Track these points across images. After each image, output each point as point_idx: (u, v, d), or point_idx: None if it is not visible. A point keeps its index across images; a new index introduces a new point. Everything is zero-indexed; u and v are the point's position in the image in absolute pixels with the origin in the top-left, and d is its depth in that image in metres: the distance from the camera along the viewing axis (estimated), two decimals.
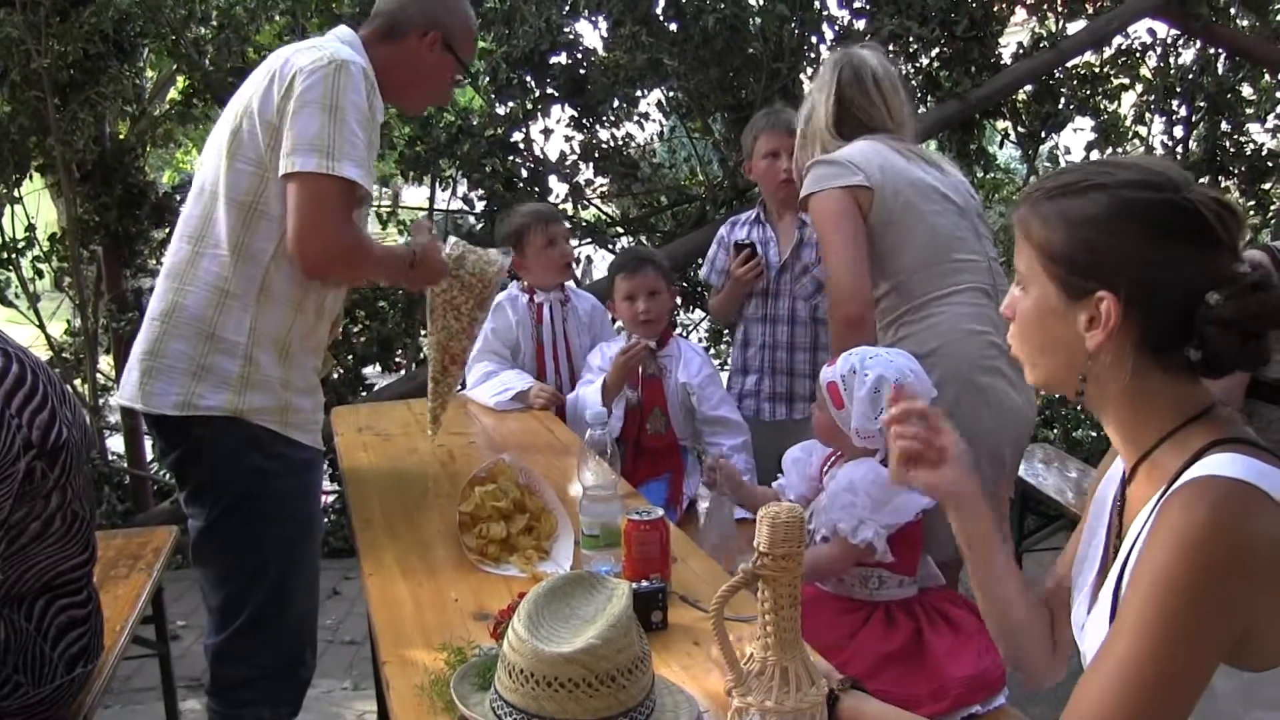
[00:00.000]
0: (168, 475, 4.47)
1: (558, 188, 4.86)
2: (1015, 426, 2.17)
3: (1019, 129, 5.19)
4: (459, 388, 2.63)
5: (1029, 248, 1.14)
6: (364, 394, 4.61)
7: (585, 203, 5.09)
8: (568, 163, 4.86)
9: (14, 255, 4.44)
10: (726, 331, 4.45)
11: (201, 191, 1.96)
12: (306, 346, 1.99)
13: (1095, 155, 5.08)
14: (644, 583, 1.53)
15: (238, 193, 1.90)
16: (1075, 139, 5.41)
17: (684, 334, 4.71)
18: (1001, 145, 5.56)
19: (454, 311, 2.28)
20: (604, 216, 5.34)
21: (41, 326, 4.57)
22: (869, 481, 1.85)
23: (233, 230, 1.90)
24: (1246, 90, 5.38)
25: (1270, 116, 5.42)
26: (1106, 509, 1.19)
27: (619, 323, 2.97)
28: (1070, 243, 1.10)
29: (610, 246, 5.08)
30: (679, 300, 4.40)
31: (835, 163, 2.19)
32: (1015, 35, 5.06)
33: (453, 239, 2.26)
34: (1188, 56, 5.40)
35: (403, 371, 4.73)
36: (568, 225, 4.68)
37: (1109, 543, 1.17)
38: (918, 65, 4.77)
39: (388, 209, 5.31)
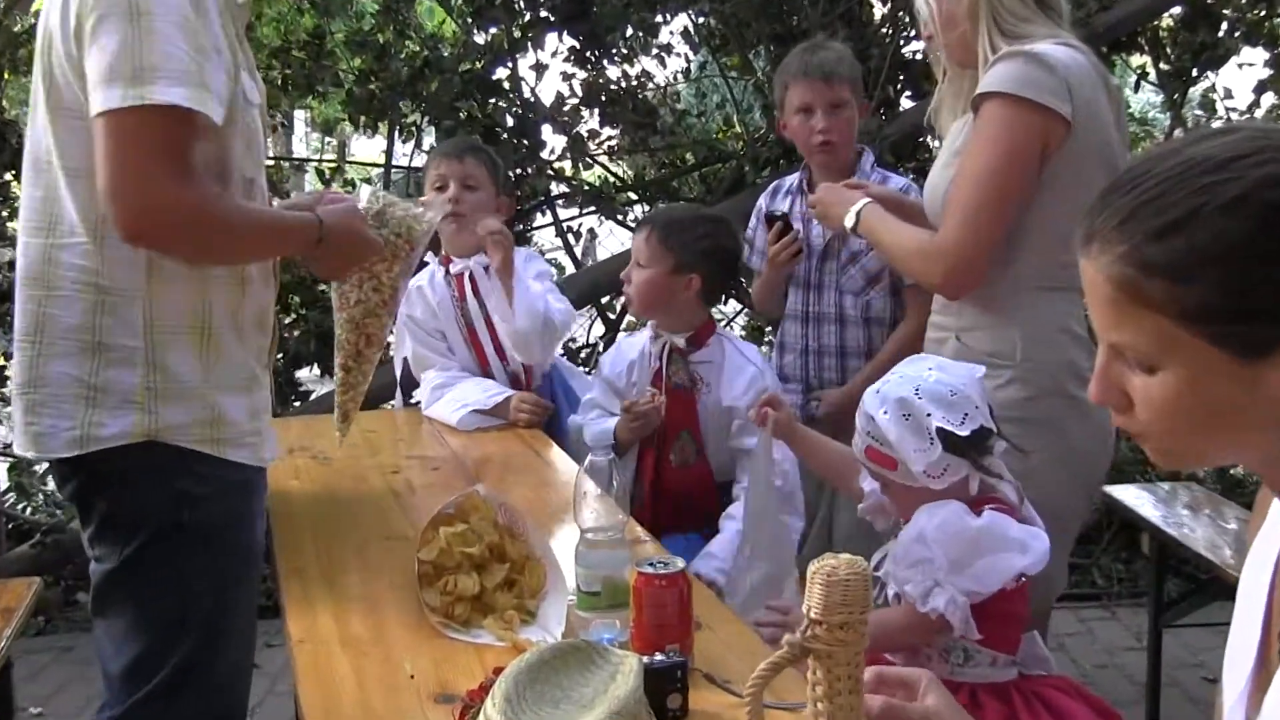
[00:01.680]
0: (28, 510, 4.55)
1: (553, 140, 4.97)
2: (1109, 449, 2.26)
3: (1161, 66, 5.10)
4: (403, 386, 2.70)
5: (1150, 316, 1.04)
6: (297, 404, 4.69)
7: (588, 160, 5.18)
8: (566, 108, 4.95)
9: None
10: (770, 329, 4.50)
11: (37, 162, 1.91)
12: (239, 327, 1.97)
13: (1270, 99, 4.90)
14: (658, 656, 1.55)
15: (75, 158, 1.84)
16: (1239, 78, 5.18)
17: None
18: (1137, 88, 5.43)
19: (373, 282, 2.28)
20: (612, 179, 5.39)
21: None
22: (948, 533, 1.84)
23: (85, 208, 1.85)
24: None
25: None
26: (1265, 577, 1.13)
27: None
28: (1228, 287, 1.01)
29: (620, 217, 5.19)
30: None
31: (1049, 67, 2.15)
32: None
33: (368, 188, 2.29)
34: None
35: None
36: (562, 188, 5.00)
37: (1271, 628, 1.11)
38: None
39: (331, 165, 5.41)
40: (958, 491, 1.90)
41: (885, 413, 1.88)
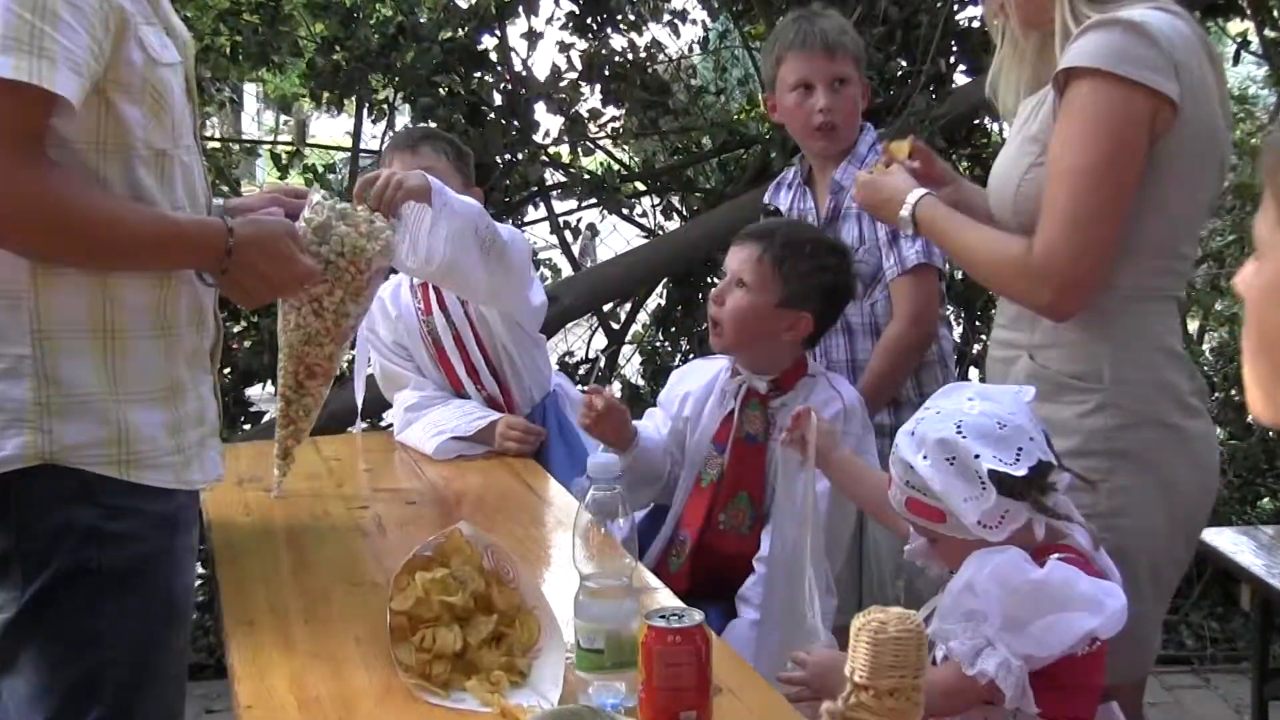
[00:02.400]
0: None
1: (547, 121, 4.95)
2: (1212, 486, 2.25)
3: (1267, 32, 4.95)
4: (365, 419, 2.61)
5: None
6: (247, 426, 4.66)
7: (589, 145, 5.17)
8: (563, 84, 4.96)
9: None
10: None
11: None
12: (163, 326, 1.94)
13: None
14: None
15: None
16: None
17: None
18: (1236, 59, 5.25)
19: (313, 304, 2.27)
20: (616, 166, 5.38)
21: None
22: (1003, 585, 1.81)
23: None
24: None
25: None
26: None
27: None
28: None
29: (626, 211, 5.19)
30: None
31: (1151, 38, 2.07)
32: None
33: (317, 196, 2.27)
34: None
35: None
36: (559, 176, 5.14)
37: None
38: None
39: (288, 148, 5.37)
40: (1020, 540, 1.88)
41: (925, 458, 1.86)
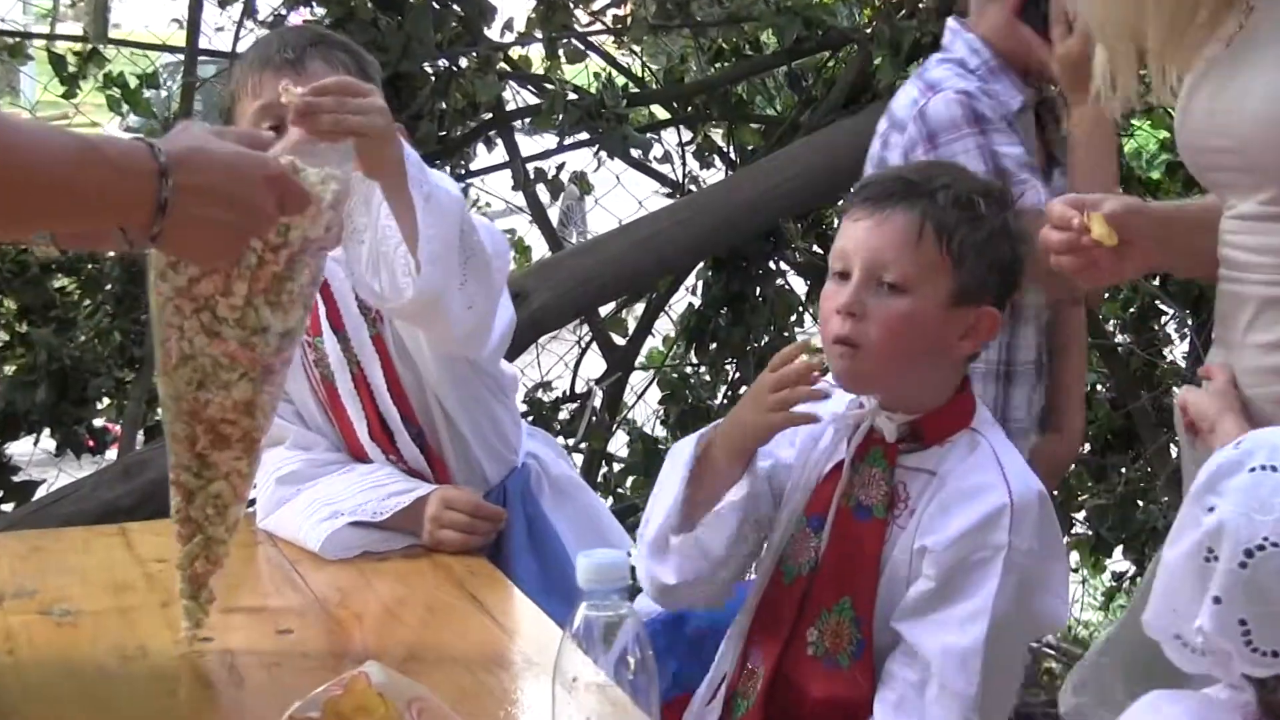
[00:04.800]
0: None
1: (509, 5, 4.66)
2: None
3: None
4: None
5: None
6: (8, 506, 4.31)
7: (575, 44, 4.83)
8: None
9: None
10: None
11: None
12: None
13: None
14: None
15: None
16: None
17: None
18: None
19: (200, 315, 1.99)
20: (621, 79, 4.94)
21: None
22: None
23: None
24: None
25: None
26: None
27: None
28: None
29: (637, 154, 4.81)
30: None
31: None
32: None
33: (198, 126, 2.05)
34: None
35: (112, 451, 4.46)
36: (526, 96, 4.87)
37: None
38: None
39: (76, 47, 4.74)
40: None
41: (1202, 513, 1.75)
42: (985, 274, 2.47)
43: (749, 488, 2.58)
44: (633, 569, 2.51)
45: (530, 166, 4.86)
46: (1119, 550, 4.99)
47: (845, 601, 2.46)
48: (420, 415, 2.87)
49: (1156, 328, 4.96)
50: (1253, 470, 1.72)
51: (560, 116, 4.56)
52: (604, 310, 4.87)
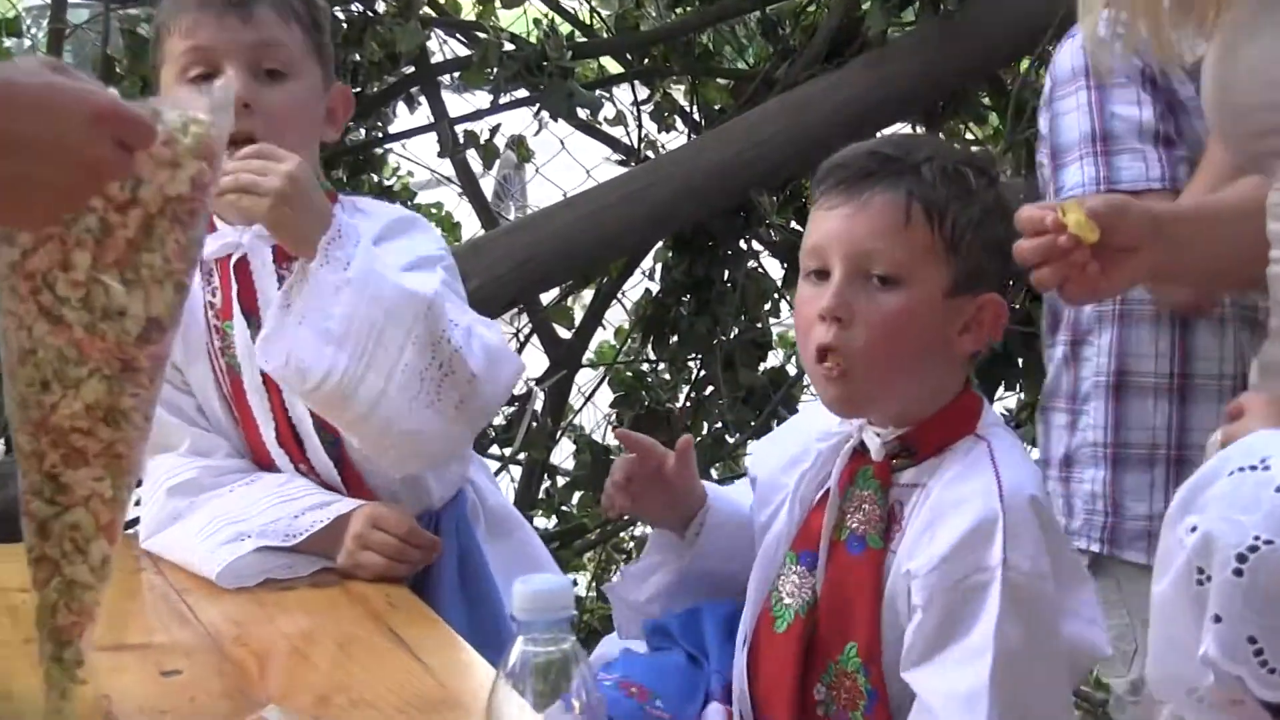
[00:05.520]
0: None
1: None
2: None
3: None
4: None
5: None
6: None
7: None
8: None
9: None
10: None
11: None
12: None
13: None
14: None
15: None
16: None
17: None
18: None
19: (36, 296, 1.74)
20: (565, 26, 4.68)
21: None
22: None
23: None
24: None
25: None
26: None
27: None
28: None
29: (585, 115, 4.51)
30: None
31: None
32: None
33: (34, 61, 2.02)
34: None
35: None
36: (456, 46, 4.84)
37: None
38: None
39: None
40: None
41: (1192, 530, 1.69)
42: (983, 256, 2.32)
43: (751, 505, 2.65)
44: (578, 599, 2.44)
45: (460, 129, 4.66)
46: None
47: (850, 649, 2.29)
48: None
49: None
50: (1231, 474, 1.67)
51: (494, 70, 4.38)
52: (546, 298, 4.75)
